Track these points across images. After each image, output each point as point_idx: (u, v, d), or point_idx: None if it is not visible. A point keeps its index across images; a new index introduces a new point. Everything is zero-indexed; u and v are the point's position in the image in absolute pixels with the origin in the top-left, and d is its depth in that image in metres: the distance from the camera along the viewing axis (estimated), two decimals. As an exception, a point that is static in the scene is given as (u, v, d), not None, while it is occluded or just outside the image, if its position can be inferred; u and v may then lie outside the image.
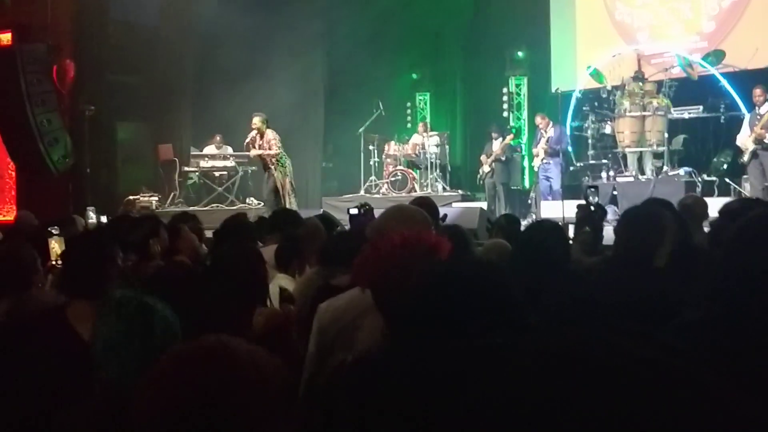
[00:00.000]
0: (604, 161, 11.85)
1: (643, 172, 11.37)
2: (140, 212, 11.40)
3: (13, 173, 12.73)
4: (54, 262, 3.91)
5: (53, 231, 5.06)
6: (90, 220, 9.40)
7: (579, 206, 4.82)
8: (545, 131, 11.98)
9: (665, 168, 11.20)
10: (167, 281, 2.82)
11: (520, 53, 14.53)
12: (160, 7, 13.20)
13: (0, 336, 2.76)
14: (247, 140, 10.94)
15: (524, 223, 11.63)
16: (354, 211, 5.31)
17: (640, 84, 11.53)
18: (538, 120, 12.19)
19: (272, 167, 10.80)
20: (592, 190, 4.53)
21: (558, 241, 3.45)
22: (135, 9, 12.18)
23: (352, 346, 2.51)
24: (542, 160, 11.89)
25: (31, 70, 11.69)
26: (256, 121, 10.81)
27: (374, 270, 1.97)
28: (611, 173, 11.63)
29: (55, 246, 4.00)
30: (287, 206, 10.12)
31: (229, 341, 1.14)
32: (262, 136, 10.79)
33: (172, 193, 12.93)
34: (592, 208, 4.13)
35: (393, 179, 13.43)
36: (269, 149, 10.76)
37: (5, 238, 6.10)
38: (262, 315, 3.18)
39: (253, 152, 11.01)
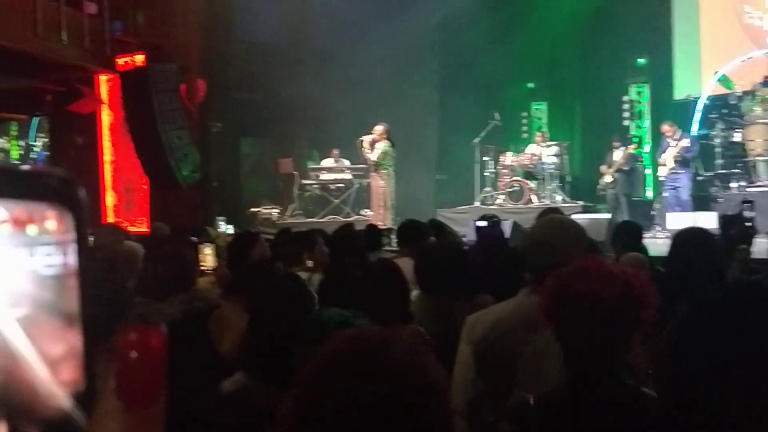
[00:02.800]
0: (734, 171, 11.31)
1: (776, 182, 10.79)
2: (262, 224, 11.77)
3: (146, 187, 13.38)
4: (204, 267, 4.10)
5: (193, 239, 5.30)
6: (219, 230, 9.77)
7: (729, 220, 4.56)
8: (673, 140, 11.50)
9: (801, 177, 10.60)
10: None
11: (641, 60, 14.09)
12: (281, 26, 13.62)
13: (177, 332, 2.91)
14: (361, 138, 11.14)
15: (648, 235, 11.36)
16: (481, 223, 5.23)
17: (773, 89, 10.96)
18: (666, 128, 11.70)
19: (374, 174, 11.03)
20: (748, 204, 4.23)
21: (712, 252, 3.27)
22: (258, 28, 12.61)
23: (515, 361, 2.47)
24: (670, 169, 11.41)
25: (163, 89, 12.23)
26: (378, 128, 11.00)
27: (567, 313, 1.87)
28: (741, 183, 11.09)
29: (207, 252, 4.18)
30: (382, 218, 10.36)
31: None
32: (373, 144, 10.99)
33: (291, 205, 13.27)
34: (749, 223, 3.86)
35: (510, 190, 13.27)
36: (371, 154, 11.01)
37: (148, 245, 6.44)
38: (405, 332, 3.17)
39: (364, 154, 11.11)
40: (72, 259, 0.45)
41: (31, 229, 0.43)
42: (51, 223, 0.44)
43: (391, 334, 1.08)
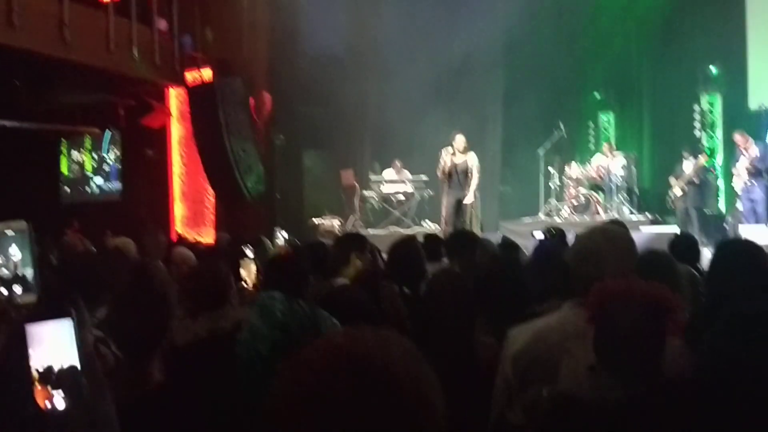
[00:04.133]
0: (811, 183, 10.79)
1: None
2: (323, 235, 11.82)
3: (212, 198, 13.65)
4: (243, 284, 4.06)
5: (247, 250, 5.32)
6: (278, 240, 9.87)
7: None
8: (745, 150, 11.04)
9: None
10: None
11: (713, 69, 13.62)
12: (344, 40, 13.73)
13: (200, 350, 2.91)
14: (444, 162, 10.97)
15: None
16: (540, 235, 5.10)
17: None
18: (737, 138, 11.23)
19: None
20: None
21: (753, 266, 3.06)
22: (322, 42, 12.73)
23: (554, 373, 2.38)
24: (745, 181, 10.94)
25: (229, 103, 12.48)
26: (462, 138, 10.88)
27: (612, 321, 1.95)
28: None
29: (247, 269, 4.13)
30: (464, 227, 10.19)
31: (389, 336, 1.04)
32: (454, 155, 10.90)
33: (352, 216, 13.32)
34: None
35: (576, 203, 13.01)
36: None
37: (205, 258, 6.54)
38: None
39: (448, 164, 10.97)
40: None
41: None
42: None
43: (386, 339, 1.03)
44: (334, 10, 12.69)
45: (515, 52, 14.17)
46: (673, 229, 10.88)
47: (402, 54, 12.86)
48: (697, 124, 13.80)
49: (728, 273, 2.91)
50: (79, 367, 1.24)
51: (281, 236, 10.64)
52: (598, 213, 12.71)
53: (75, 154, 15.84)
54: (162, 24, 12.64)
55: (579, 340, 2.41)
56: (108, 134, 15.07)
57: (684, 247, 4.83)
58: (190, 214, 14.03)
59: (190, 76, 12.95)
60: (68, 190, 15.90)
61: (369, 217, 13.53)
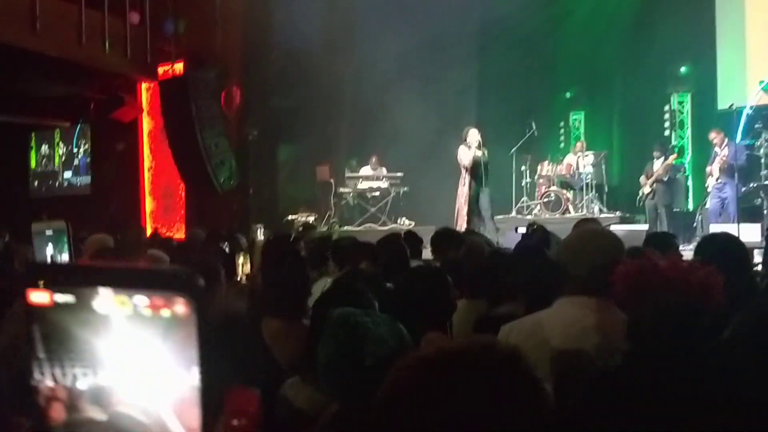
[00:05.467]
0: (781, 182, 11.03)
1: (825, 194, 10.48)
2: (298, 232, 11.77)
3: (183, 193, 13.55)
4: (239, 279, 4.07)
5: (224, 247, 5.30)
6: (258, 236, 9.83)
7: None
8: (720, 148, 11.20)
9: None
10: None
11: (683, 68, 13.85)
12: (321, 34, 13.68)
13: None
14: (472, 155, 10.95)
15: (689, 247, 11.11)
16: (522, 230, 5.17)
17: (822, 98, 10.66)
18: (713, 135, 11.34)
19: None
20: None
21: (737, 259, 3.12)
22: (296, 36, 12.67)
23: (550, 371, 2.42)
24: (717, 179, 11.11)
25: (201, 96, 12.39)
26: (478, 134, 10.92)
27: (641, 298, 1.88)
28: (788, 195, 10.81)
29: (241, 261, 4.15)
30: (462, 224, 10.24)
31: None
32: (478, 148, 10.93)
33: (328, 213, 13.29)
34: None
35: (546, 200, 13.14)
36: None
37: (176, 252, 6.49)
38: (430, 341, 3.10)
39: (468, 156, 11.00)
40: (195, 334, 0.56)
41: (165, 312, 0.56)
42: (179, 308, 0.56)
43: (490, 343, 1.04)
44: (308, 3, 12.63)
45: (487, 52, 14.26)
46: (643, 227, 11.05)
47: (377, 50, 12.85)
48: (667, 123, 14.01)
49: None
50: None
51: (260, 232, 10.59)
52: (568, 211, 12.85)
53: (44, 147, 15.59)
54: (134, 17, 12.50)
55: (571, 337, 2.46)
56: (77, 128, 14.86)
57: (660, 243, 4.89)
58: (161, 209, 13.91)
59: (162, 69, 12.83)
60: (37, 183, 15.65)
61: (344, 214, 13.51)
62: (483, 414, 0.94)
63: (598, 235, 2.74)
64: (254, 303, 3.37)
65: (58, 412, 0.59)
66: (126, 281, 0.58)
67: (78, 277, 0.58)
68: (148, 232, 12.25)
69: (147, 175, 13.92)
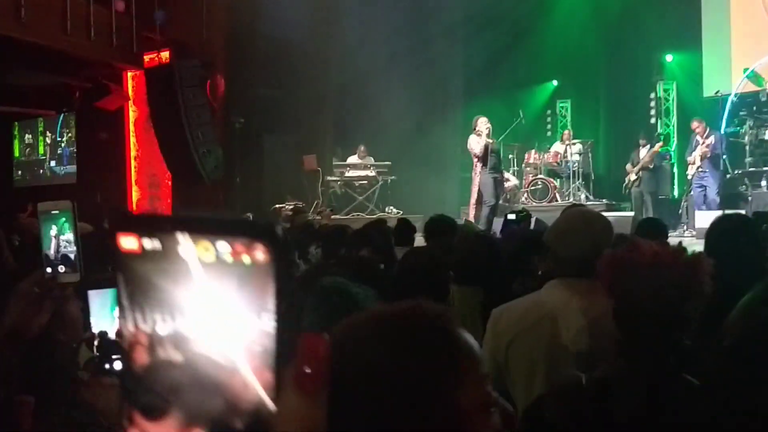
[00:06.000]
0: (764, 169, 11.15)
1: (808, 181, 10.61)
2: (285, 221, 11.77)
3: (169, 182, 13.49)
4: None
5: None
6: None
7: (761, 216, 4.45)
8: (702, 137, 11.30)
9: (835, 176, 10.41)
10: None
11: (669, 57, 13.92)
12: (307, 22, 13.64)
13: None
14: (484, 143, 10.93)
15: (675, 234, 11.21)
16: (512, 216, 5.22)
17: (806, 86, 10.77)
18: (695, 125, 11.47)
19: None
20: None
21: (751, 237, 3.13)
22: (283, 25, 12.62)
23: (540, 354, 2.45)
24: (698, 168, 11.21)
25: (187, 85, 12.31)
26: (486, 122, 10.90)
27: (627, 281, 1.84)
28: (772, 182, 10.94)
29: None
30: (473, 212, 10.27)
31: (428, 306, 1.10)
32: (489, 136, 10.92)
33: (315, 202, 13.29)
34: None
35: (533, 188, 13.20)
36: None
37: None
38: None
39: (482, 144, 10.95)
40: (273, 281, 0.59)
41: (246, 258, 0.59)
42: (259, 254, 0.59)
43: (418, 306, 1.09)
44: (294, -8, 12.60)
45: (474, 41, 14.26)
46: (628, 214, 11.13)
47: (363, 39, 12.83)
48: (653, 112, 14.10)
49: (728, 246, 2.95)
50: None
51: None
52: (555, 199, 12.92)
53: (27, 136, 15.47)
54: (119, 5, 12.40)
55: (561, 320, 2.49)
56: (61, 117, 14.74)
57: (651, 232, 4.93)
58: (146, 198, 13.85)
59: (148, 58, 12.74)
60: (20, 173, 15.53)
61: (332, 202, 13.51)
62: (406, 366, 1.00)
63: (587, 217, 2.76)
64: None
65: (140, 356, 0.62)
66: (208, 228, 0.60)
67: (164, 225, 0.61)
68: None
69: (133, 165, 13.85)
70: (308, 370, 0.70)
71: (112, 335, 1.33)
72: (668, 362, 1.80)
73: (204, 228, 0.60)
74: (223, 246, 0.60)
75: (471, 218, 10.62)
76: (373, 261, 3.23)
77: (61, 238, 1.55)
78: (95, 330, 1.27)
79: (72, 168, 14.80)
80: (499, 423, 1.07)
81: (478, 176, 10.94)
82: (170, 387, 0.62)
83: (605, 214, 10.98)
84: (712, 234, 3.11)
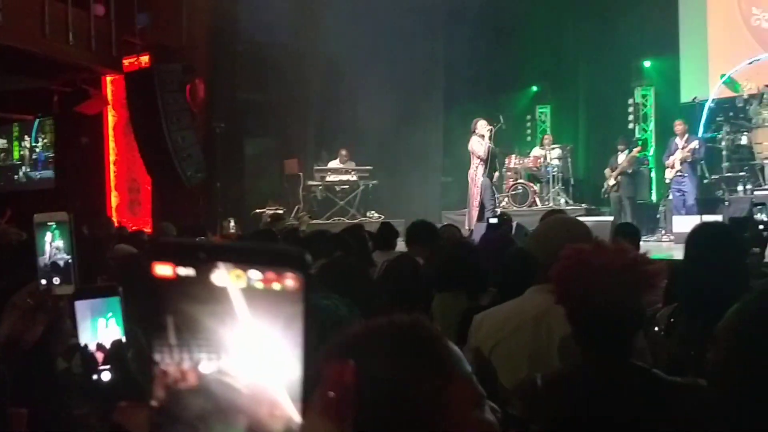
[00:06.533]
0: (741, 174, 11.28)
1: (783, 185, 10.76)
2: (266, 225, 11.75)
3: (150, 187, 13.41)
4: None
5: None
6: (230, 230, 9.82)
7: (740, 222, 4.51)
8: (682, 139, 11.38)
9: (810, 181, 10.56)
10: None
11: (646, 63, 14.07)
12: (288, 27, 13.63)
13: None
14: (487, 145, 10.93)
15: (653, 238, 11.32)
16: (494, 220, 5.27)
17: (781, 92, 10.92)
18: (678, 127, 11.51)
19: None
20: (760, 207, 4.15)
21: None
22: (265, 28, 12.60)
23: (522, 359, 2.47)
24: (677, 172, 11.32)
25: (168, 90, 12.27)
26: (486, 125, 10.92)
27: (578, 284, 1.86)
28: (748, 186, 11.06)
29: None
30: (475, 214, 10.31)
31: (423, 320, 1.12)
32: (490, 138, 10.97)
33: (296, 206, 13.27)
34: (761, 227, 3.76)
35: (514, 193, 13.27)
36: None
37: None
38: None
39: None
40: (303, 308, 0.61)
41: (277, 286, 0.61)
42: (290, 282, 0.61)
43: (395, 318, 1.11)
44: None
45: (454, 47, 14.33)
46: (607, 218, 11.22)
47: (344, 44, 12.84)
48: (631, 117, 14.23)
49: (707, 254, 2.97)
50: (124, 341, 1.29)
51: (232, 226, 10.56)
52: (536, 203, 12.99)
53: (2, 141, 15.32)
54: (99, 9, 12.33)
55: (543, 325, 2.52)
56: (36, 122, 14.62)
57: (625, 237, 5.01)
58: (127, 203, 13.77)
59: (128, 62, 12.67)
60: (-4, 178, 15.40)
61: (313, 207, 13.50)
62: (388, 378, 1.02)
63: (566, 224, 2.80)
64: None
65: (171, 383, 0.63)
66: (241, 256, 0.62)
67: (198, 252, 0.62)
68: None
69: (112, 169, 13.76)
70: (334, 396, 0.71)
71: (92, 347, 1.34)
72: (619, 357, 1.84)
73: (236, 256, 0.62)
74: (255, 274, 0.61)
75: (473, 221, 10.71)
76: (353, 266, 3.25)
77: (53, 245, 1.55)
78: (82, 341, 1.28)
79: (48, 173, 14.68)
80: (493, 416, 1.10)
81: (480, 179, 11.02)
82: (198, 415, 0.62)
83: (584, 218, 11.16)
84: (693, 242, 3.13)
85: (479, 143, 10.90)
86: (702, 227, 3.31)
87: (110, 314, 1.33)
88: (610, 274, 1.80)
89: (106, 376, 1.26)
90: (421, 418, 1.02)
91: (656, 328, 2.80)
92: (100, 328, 1.32)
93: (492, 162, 10.99)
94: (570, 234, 2.66)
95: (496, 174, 11.97)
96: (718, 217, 9.46)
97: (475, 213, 10.93)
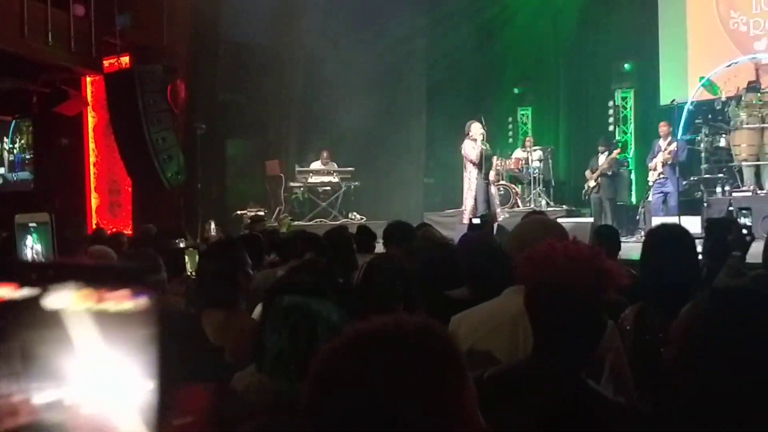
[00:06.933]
0: (719, 175, 11.40)
1: (761, 187, 10.87)
2: (247, 227, 11.71)
3: (130, 189, 13.31)
4: (189, 273, 4.05)
5: (180, 243, 5.25)
6: (211, 232, 9.76)
7: (722, 225, 4.53)
8: (665, 141, 11.47)
9: (787, 182, 10.69)
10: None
11: (627, 65, 14.18)
12: (269, 28, 13.60)
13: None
14: (479, 148, 10.93)
15: (633, 239, 11.40)
16: (476, 220, 5.30)
17: (758, 94, 11.03)
18: (663, 126, 11.60)
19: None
20: (745, 212, 4.19)
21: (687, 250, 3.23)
22: (245, 30, 12.56)
23: (500, 360, 2.48)
24: (660, 174, 11.39)
25: (148, 90, 12.17)
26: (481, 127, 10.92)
27: (540, 272, 1.89)
28: (726, 188, 11.18)
29: (191, 258, 4.13)
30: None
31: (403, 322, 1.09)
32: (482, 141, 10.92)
33: (278, 208, 13.24)
34: (744, 230, 3.78)
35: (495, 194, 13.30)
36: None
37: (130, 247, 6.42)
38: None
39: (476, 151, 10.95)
40: (152, 330, 0.56)
41: (125, 306, 0.56)
42: (138, 303, 0.56)
43: (405, 319, 1.09)
44: (257, -3, 12.56)
45: (436, 50, 14.38)
46: (588, 220, 11.29)
47: (326, 46, 12.84)
48: (611, 119, 14.33)
49: (662, 255, 3.03)
50: None
51: (212, 228, 10.51)
52: (517, 205, 13.05)
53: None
54: (78, 9, 12.22)
55: (520, 325, 2.53)
56: (13, 123, 14.46)
57: (607, 239, 5.06)
58: (107, 205, 13.66)
59: (108, 62, 12.57)
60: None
61: (295, 208, 13.47)
62: (398, 386, 1.00)
63: (543, 225, 2.81)
64: (191, 297, 3.37)
65: (14, 415, 0.58)
66: (88, 277, 0.58)
67: (43, 273, 0.58)
68: (90, 227, 12.02)
69: (92, 171, 13.64)
70: (189, 421, 0.67)
71: None
72: (575, 354, 1.87)
73: (84, 276, 0.58)
74: (102, 294, 0.57)
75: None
76: (329, 269, 3.24)
77: (33, 248, 1.54)
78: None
79: (25, 174, 14.53)
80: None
81: (474, 182, 11.03)
82: None
83: (565, 219, 11.24)
84: (648, 242, 3.21)
85: (472, 147, 10.93)
86: (658, 228, 3.44)
87: None
88: (572, 261, 1.84)
89: None
90: (442, 419, 1.01)
91: (628, 327, 2.83)
92: None
93: (487, 164, 10.99)
94: (547, 235, 2.67)
95: (492, 173, 11.92)
96: (697, 219, 9.57)
97: (467, 216, 10.96)
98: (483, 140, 10.95)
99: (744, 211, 4.31)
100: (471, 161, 10.98)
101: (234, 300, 3.07)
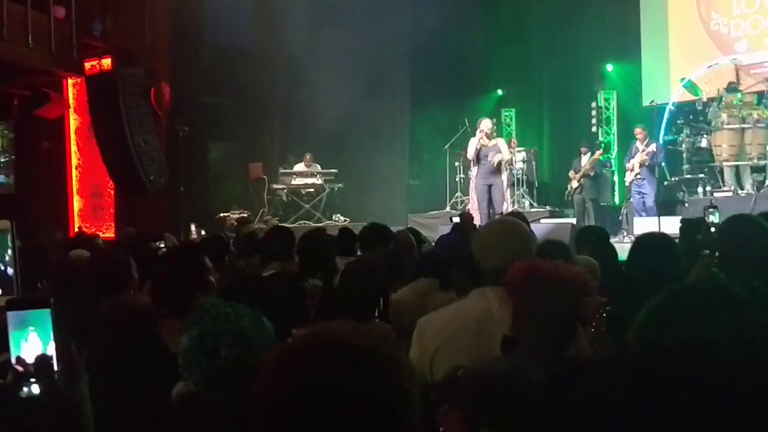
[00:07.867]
0: (700, 176, 11.47)
1: (742, 187, 10.94)
2: (231, 230, 11.67)
3: (112, 192, 13.24)
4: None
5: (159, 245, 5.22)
6: (192, 234, 9.72)
7: (693, 224, 4.56)
8: (642, 144, 11.54)
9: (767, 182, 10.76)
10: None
11: (609, 67, 14.25)
12: (251, 30, 13.58)
13: (102, 331, 2.88)
14: (477, 145, 10.87)
15: (615, 240, 11.44)
16: (457, 219, 5.35)
17: (739, 95, 11.10)
18: (638, 131, 11.66)
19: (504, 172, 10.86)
20: (711, 210, 4.21)
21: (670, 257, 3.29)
22: (228, 32, 12.53)
23: (465, 361, 2.48)
24: (636, 175, 11.47)
25: (130, 93, 12.11)
26: (489, 124, 10.83)
27: (526, 284, 2.07)
28: (708, 188, 11.25)
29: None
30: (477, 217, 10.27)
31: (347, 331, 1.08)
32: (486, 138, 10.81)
33: (261, 210, 13.21)
34: (713, 229, 3.81)
35: (479, 195, 13.31)
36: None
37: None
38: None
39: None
40: None
41: None
42: None
43: (358, 327, 1.09)
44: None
45: (421, 50, 14.39)
46: (569, 221, 11.34)
47: (310, 48, 12.83)
48: (594, 120, 14.38)
49: (647, 262, 3.09)
50: (53, 356, 1.25)
51: (194, 230, 10.47)
52: (501, 205, 13.05)
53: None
54: (59, 11, 12.15)
55: (485, 326, 2.53)
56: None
57: (595, 238, 5.02)
58: (88, 209, 13.58)
59: (89, 65, 12.52)
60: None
61: (278, 211, 13.44)
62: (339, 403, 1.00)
63: (505, 229, 2.82)
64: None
65: None
66: None
67: None
68: (72, 231, 11.94)
69: (74, 174, 13.56)
70: None
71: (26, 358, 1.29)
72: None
73: None
74: None
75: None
76: (296, 277, 3.26)
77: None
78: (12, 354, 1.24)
79: (2, 178, 14.40)
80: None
81: (473, 180, 11.05)
82: None
83: (548, 220, 11.25)
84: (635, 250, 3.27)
85: (472, 143, 10.93)
86: (641, 237, 3.56)
87: (33, 328, 1.28)
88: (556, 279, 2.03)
89: (34, 390, 1.22)
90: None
91: (592, 329, 2.86)
92: (28, 340, 1.27)
93: (483, 162, 10.96)
94: (508, 239, 2.69)
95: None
96: (677, 219, 9.60)
97: (476, 215, 10.94)
98: (488, 135, 10.90)
99: (710, 210, 4.32)
100: (467, 157, 11.02)
101: (189, 307, 3.04)
